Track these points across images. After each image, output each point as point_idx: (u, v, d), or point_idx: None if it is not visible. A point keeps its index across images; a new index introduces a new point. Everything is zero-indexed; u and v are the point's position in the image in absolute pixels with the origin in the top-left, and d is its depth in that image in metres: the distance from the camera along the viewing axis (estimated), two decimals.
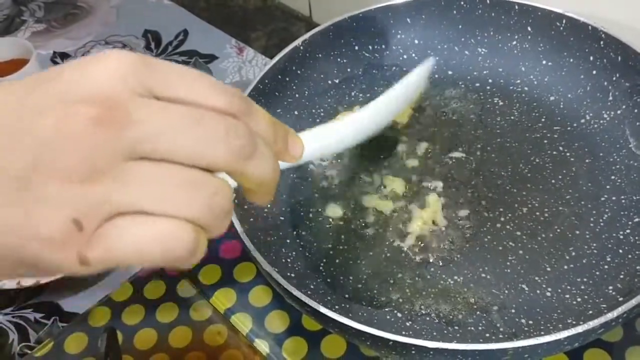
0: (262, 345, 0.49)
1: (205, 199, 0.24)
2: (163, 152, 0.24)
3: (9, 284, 0.60)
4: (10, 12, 0.98)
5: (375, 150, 0.54)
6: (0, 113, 0.24)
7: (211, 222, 0.25)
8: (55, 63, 0.89)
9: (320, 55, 0.56)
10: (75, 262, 0.23)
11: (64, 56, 0.90)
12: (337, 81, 0.58)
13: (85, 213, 0.23)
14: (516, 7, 0.55)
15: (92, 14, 0.97)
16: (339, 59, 0.57)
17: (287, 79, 0.54)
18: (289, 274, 0.43)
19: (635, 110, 0.50)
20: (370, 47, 0.58)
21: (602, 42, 0.51)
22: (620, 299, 0.39)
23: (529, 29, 0.55)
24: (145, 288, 0.56)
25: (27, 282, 0.60)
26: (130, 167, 0.24)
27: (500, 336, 0.40)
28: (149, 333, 0.52)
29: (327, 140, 0.35)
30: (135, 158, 0.24)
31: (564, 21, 0.53)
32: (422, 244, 0.48)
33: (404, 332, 0.38)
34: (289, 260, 0.46)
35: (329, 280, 0.45)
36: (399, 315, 0.43)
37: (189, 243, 0.24)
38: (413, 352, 0.35)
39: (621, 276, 0.43)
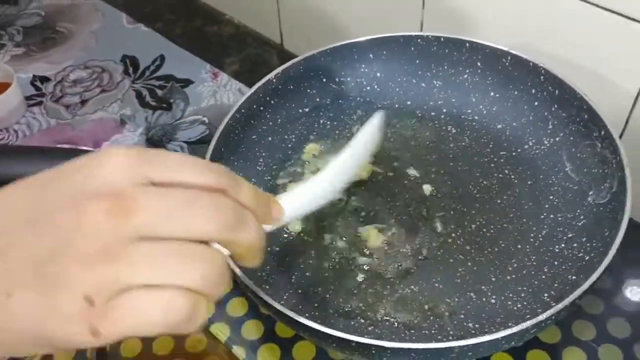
0: (239, 352, 0.53)
1: (200, 270, 0.27)
2: (163, 233, 0.27)
3: None
4: None
5: None
6: (24, 206, 0.27)
7: (208, 288, 0.28)
8: (35, 87, 0.91)
9: (291, 87, 0.60)
10: (88, 334, 0.26)
11: (44, 80, 0.91)
12: (307, 110, 0.62)
13: (97, 291, 0.26)
14: (467, 44, 0.60)
15: (71, 39, 0.99)
16: (308, 90, 0.61)
17: (262, 108, 0.58)
18: (265, 286, 0.48)
19: (571, 138, 0.56)
20: (337, 79, 0.62)
21: (542, 77, 0.57)
22: (554, 304, 0.43)
23: (479, 64, 0.60)
24: None
25: None
26: (135, 248, 0.27)
27: (450, 338, 0.45)
28: (134, 342, 0.55)
29: (303, 200, 0.38)
30: (140, 238, 0.27)
31: (509, 58, 0.58)
32: (382, 258, 0.53)
33: (366, 336, 0.42)
34: (264, 274, 0.50)
35: (299, 291, 0.50)
36: (362, 321, 0.48)
37: (186, 310, 0.27)
38: (374, 352, 0.40)
39: (555, 285, 0.48)
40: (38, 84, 0.92)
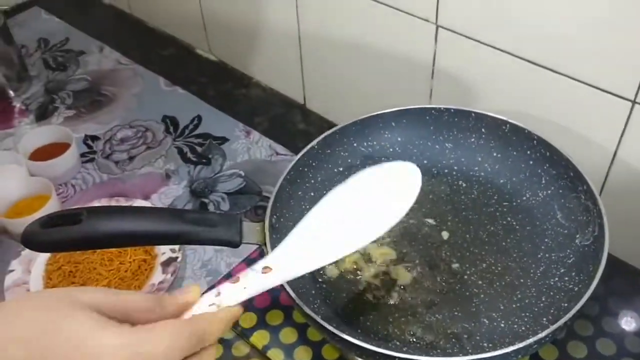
0: None
1: None
2: None
3: None
4: (44, 100, 1.09)
5: None
6: None
7: None
8: (87, 145, 0.98)
9: (329, 151, 0.69)
10: None
11: (94, 138, 0.99)
12: (341, 169, 0.70)
13: None
14: (473, 114, 0.68)
15: (115, 101, 1.06)
16: (342, 153, 0.70)
17: (305, 169, 0.67)
18: (317, 315, 0.58)
19: (560, 191, 0.64)
20: (365, 144, 0.71)
21: (535, 141, 0.65)
22: (550, 326, 0.53)
23: (483, 130, 0.68)
24: None
25: None
26: None
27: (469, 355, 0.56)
28: None
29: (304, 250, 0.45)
30: None
31: (507, 126, 0.67)
32: (411, 292, 0.62)
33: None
34: (315, 306, 0.60)
35: (345, 320, 0.60)
36: (397, 343, 0.58)
37: None
38: None
39: (552, 311, 0.57)
40: (89, 142, 0.99)
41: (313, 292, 0.62)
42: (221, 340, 0.67)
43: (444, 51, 0.75)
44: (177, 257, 0.79)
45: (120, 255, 0.79)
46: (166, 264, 0.78)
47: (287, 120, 1.01)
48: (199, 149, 0.97)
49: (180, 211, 0.55)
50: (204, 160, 0.95)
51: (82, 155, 0.97)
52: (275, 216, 0.62)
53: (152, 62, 1.15)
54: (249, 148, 0.96)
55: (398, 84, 0.83)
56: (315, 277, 0.64)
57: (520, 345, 0.49)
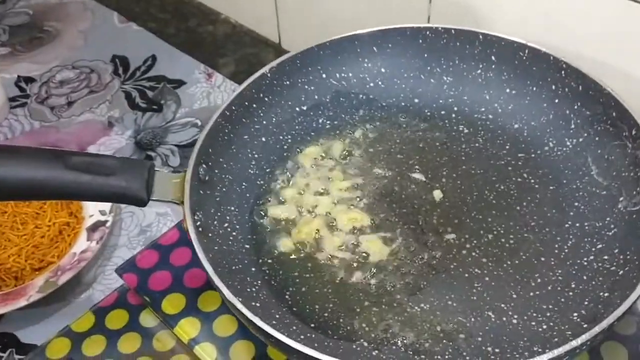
0: None
1: None
2: None
3: None
4: None
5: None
6: None
7: None
8: (20, 88, 0.89)
9: (287, 83, 0.57)
10: None
11: (29, 80, 0.90)
12: (304, 108, 0.59)
13: None
14: (480, 37, 0.57)
15: (58, 38, 0.98)
16: (306, 87, 0.59)
17: (255, 105, 0.55)
18: (253, 303, 0.43)
19: (597, 138, 0.53)
20: (337, 75, 0.60)
21: (563, 72, 0.54)
22: (585, 325, 0.40)
23: (493, 58, 0.58)
24: (107, 318, 0.56)
25: None
26: None
27: None
28: None
29: None
30: None
31: (526, 51, 0.55)
32: (388, 272, 0.49)
33: None
34: (254, 289, 0.46)
35: (294, 309, 0.46)
36: (365, 344, 0.44)
37: None
38: None
39: (585, 303, 0.44)
40: (22, 84, 0.90)
41: (253, 269, 0.48)
42: (141, 330, 0.54)
43: None
44: (106, 221, 0.67)
45: (37, 217, 0.68)
46: (92, 229, 0.67)
47: (257, 61, 0.91)
48: (150, 93, 0.88)
49: (62, 152, 0.40)
50: (154, 107, 0.86)
51: (13, 99, 0.88)
52: (205, 166, 0.48)
53: None
54: (209, 93, 0.87)
55: (390, 10, 0.73)
56: (258, 250, 0.49)
57: (545, 356, 0.34)
